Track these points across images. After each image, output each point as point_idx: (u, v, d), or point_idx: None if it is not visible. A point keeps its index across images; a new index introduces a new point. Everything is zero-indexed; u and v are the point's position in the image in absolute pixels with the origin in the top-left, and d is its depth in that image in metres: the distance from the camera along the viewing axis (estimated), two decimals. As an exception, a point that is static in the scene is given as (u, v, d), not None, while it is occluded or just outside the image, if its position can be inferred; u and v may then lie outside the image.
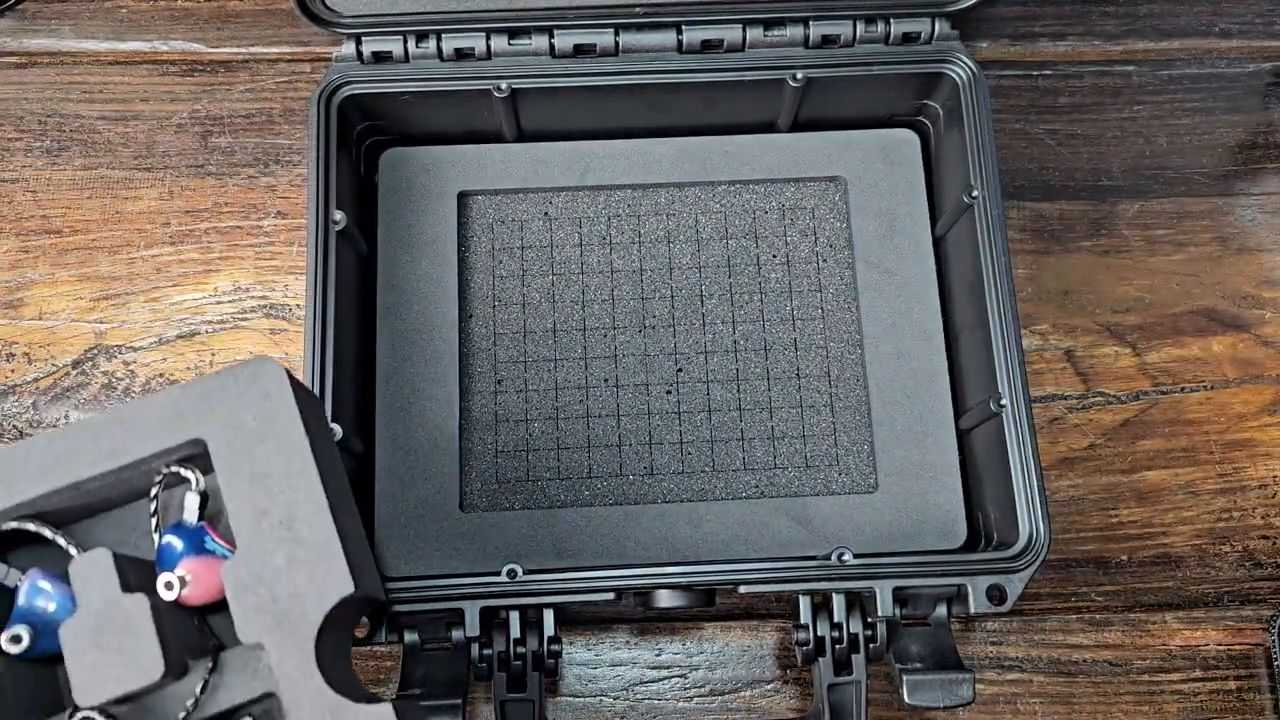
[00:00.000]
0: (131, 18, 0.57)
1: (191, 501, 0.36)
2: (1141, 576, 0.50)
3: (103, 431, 0.35)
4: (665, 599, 0.44)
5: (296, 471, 0.34)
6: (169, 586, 0.35)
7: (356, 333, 0.49)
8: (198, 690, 0.34)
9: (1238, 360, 0.53)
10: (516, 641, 0.43)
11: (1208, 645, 0.50)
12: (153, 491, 0.36)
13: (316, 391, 0.45)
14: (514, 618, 0.43)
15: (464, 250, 0.52)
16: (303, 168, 0.55)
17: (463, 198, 0.52)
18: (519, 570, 0.43)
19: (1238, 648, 0.50)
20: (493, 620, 0.44)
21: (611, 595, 0.43)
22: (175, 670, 0.34)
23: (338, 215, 0.47)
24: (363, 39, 0.50)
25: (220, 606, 0.35)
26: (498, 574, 0.43)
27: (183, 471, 0.36)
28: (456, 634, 0.43)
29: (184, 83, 0.56)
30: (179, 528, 0.36)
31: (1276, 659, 0.49)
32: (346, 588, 0.33)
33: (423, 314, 0.50)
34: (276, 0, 0.58)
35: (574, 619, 0.49)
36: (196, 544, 0.36)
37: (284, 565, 0.33)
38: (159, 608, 0.34)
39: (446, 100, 0.51)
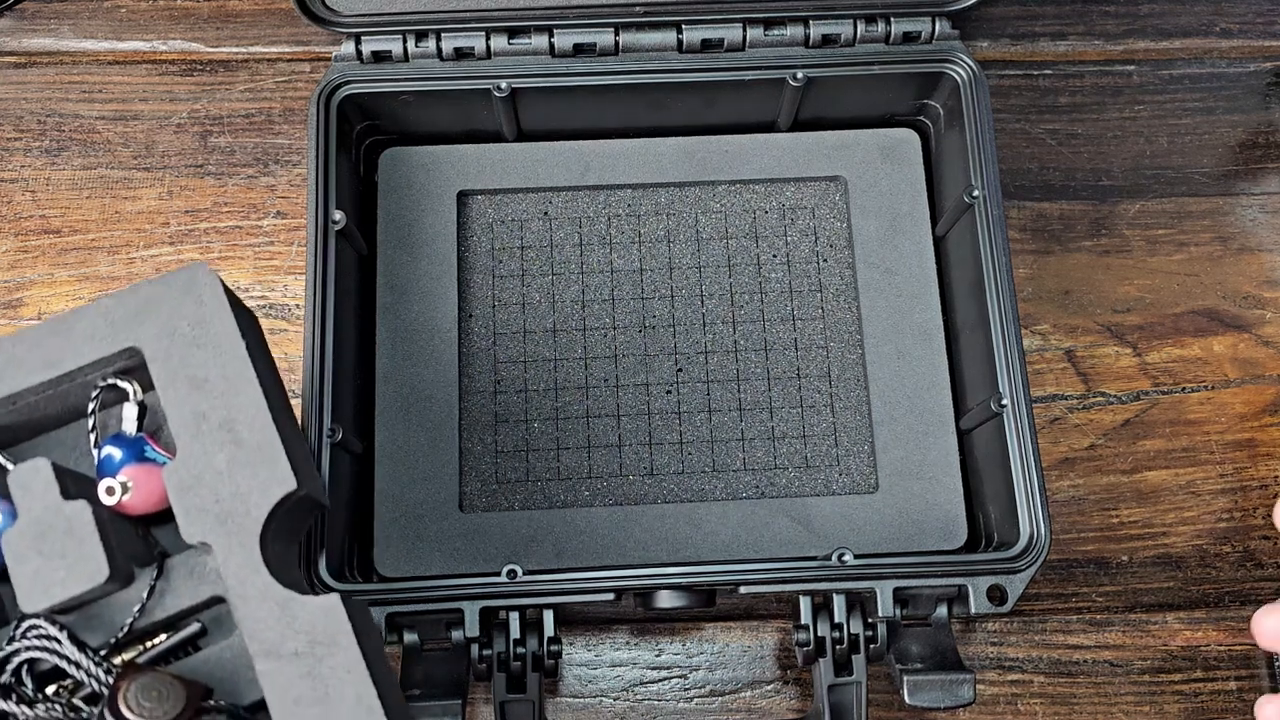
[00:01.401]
0: (131, 17, 0.57)
1: (130, 411, 0.37)
2: (1142, 577, 0.50)
3: (36, 343, 0.35)
4: (665, 599, 0.44)
5: (234, 374, 0.34)
6: (110, 492, 0.35)
7: (356, 333, 0.49)
8: (144, 595, 0.35)
9: (1238, 360, 0.53)
10: (516, 642, 0.43)
11: (1209, 646, 0.50)
12: (90, 406, 0.36)
13: (316, 391, 0.45)
14: (514, 618, 0.43)
15: (463, 250, 0.52)
16: (302, 168, 0.55)
17: (462, 197, 0.52)
18: (519, 570, 0.43)
19: (1238, 648, 0.49)
20: (492, 621, 0.43)
21: (611, 596, 0.43)
22: (120, 575, 0.34)
23: (337, 215, 0.47)
24: (362, 38, 0.49)
25: (162, 518, 0.36)
26: (497, 574, 0.43)
27: (119, 383, 0.36)
28: (456, 634, 0.43)
29: (183, 82, 0.56)
30: (118, 438, 0.36)
31: (1277, 659, 0.49)
32: (289, 484, 0.34)
33: (422, 314, 0.50)
34: (276, 0, 0.58)
35: (574, 619, 0.49)
36: (137, 453, 0.36)
37: (225, 466, 0.34)
38: (101, 513, 0.34)
39: (446, 100, 0.51)
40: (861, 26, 0.50)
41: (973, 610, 0.43)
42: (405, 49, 0.50)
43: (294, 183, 0.55)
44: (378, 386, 0.49)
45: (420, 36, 0.50)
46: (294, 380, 0.52)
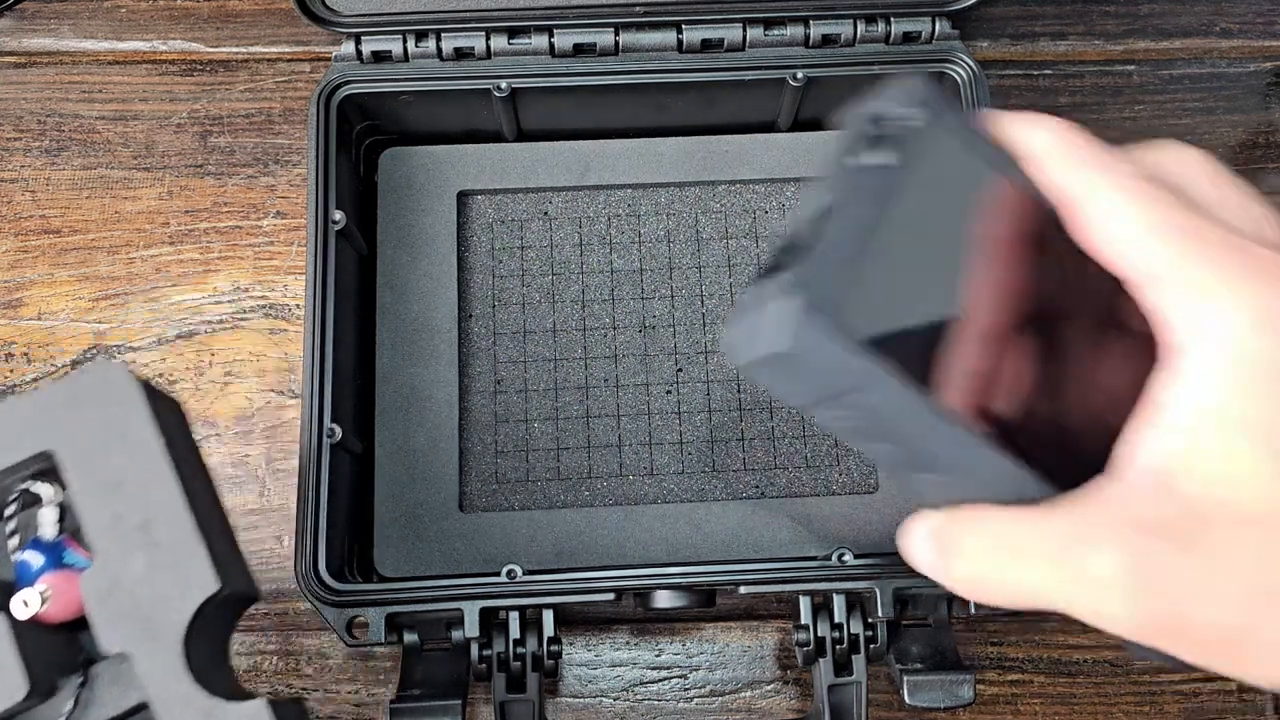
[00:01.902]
0: (131, 17, 0.57)
1: (47, 515, 0.35)
2: (1142, 577, 0.50)
3: None
4: (665, 599, 0.44)
5: (151, 474, 0.33)
6: (25, 604, 0.34)
7: (356, 333, 0.49)
8: (68, 708, 0.34)
9: (1238, 360, 0.53)
10: (516, 642, 0.43)
11: (1208, 646, 0.49)
12: (7, 511, 0.35)
13: (316, 392, 0.44)
14: (514, 618, 0.43)
15: (463, 250, 0.52)
16: (302, 168, 0.55)
17: (462, 197, 0.52)
18: (519, 570, 0.43)
19: (1238, 648, 0.49)
20: (492, 621, 0.43)
21: (611, 596, 0.43)
22: (42, 689, 0.33)
23: (337, 215, 0.47)
24: (362, 38, 0.49)
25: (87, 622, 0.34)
26: (497, 574, 0.43)
27: (32, 488, 0.35)
28: (456, 634, 0.43)
29: (183, 82, 0.56)
30: (36, 543, 0.35)
31: None
32: (211, 587, 0.33)
33: (422, 314, 0.50)
34: (276, 0, 0.58)
35: (574, 619, 0.49)
36: (55, 558, 0.35)
37: (144, 570, 0.33)
38: (19, 627, 0.33)
39: (446, 100, 0.50)
40: (861, 26, 0.50)
41: (972, 610, 0.43)
42: (405, 49, 0.50)
43: (294, 183, 0.55)
44: (377, 386, 0.49)
45: (420, 36, 0.50)
46: (294, 380, 0.52)
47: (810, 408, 0.27)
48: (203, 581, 0.33)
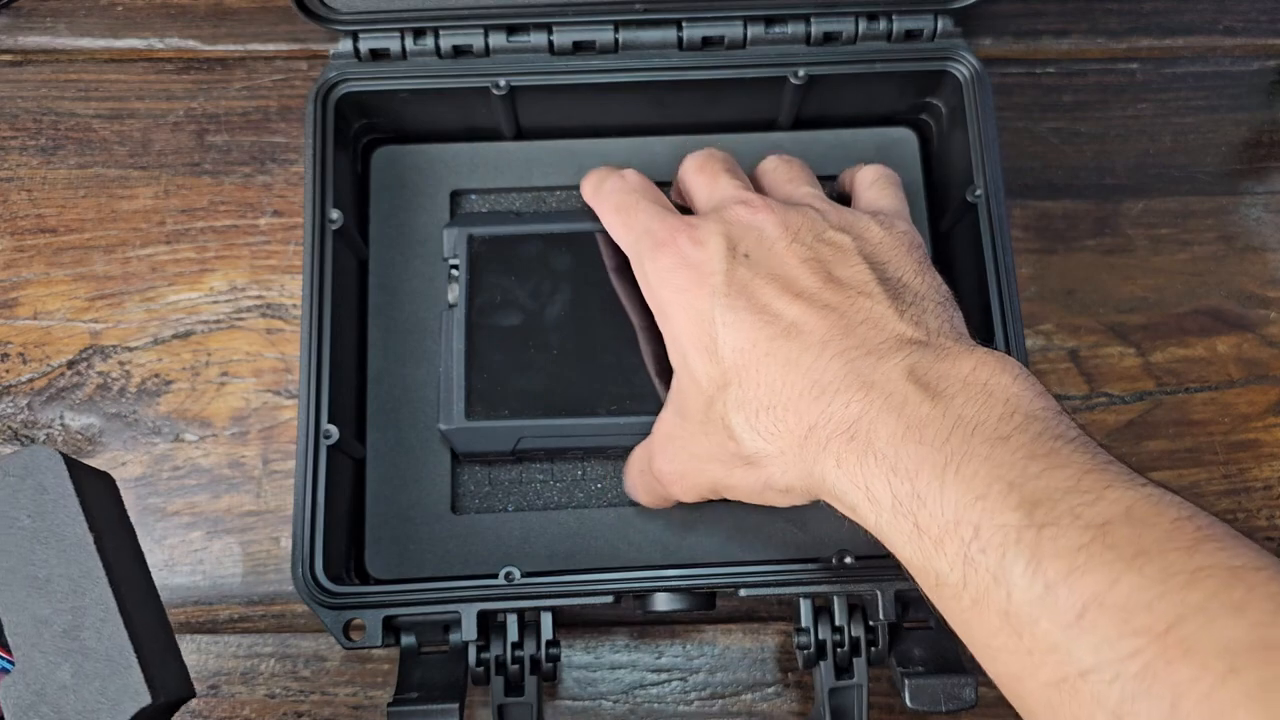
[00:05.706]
0: (127, 15, 0.57)
1: None
2: (1146, 579, 0.50)
3: None
4: (665, 602, 0.44)
5: (81, 574, 0.31)
6: None
7: (356, 333, 0.48)
8: None
9: (1242, 360, 0.53)
10: (514, 645, 0.43)
11: (1212, 648, 0.49)
12: None
13: (312, 392, 0.44)
14: (512, 621, 0.43)
15: (459, 249, 0.51)
16: (299, 166, 0.54)
17: (455, 196, 0.51)
18: (517, 573, 0.43)
19: (1243, 651, 0.49)
20: (490, 623, 0.43)
21: (611, 598, 0.43)
22: None
23: (334, 214, 0.46)
24: (360, 36, 0.49)
25: None
26: (495, 576, 0.43)
27: None
28: (454, 637, 0.43)
29: (180, 80, 0.56)
30: None
31: None
32: (142, 699, 0.30)
33: (414, 314, 0.49)
34: (273, -3, 0.57)
35: (573, 621, 0.49)
36: None
37: (70, 679, 0.30)
38: None
39: (444, 98, 0.50)
40: (863, 24, 0.50)
41: (975, 613, 0.43)
42: (403, 46, 0.49)
43: (291, 181, 0.54)
44: (369, 386, 0.48)
45: (418, 34, 0.49)
46: (291, 381, 0.51)
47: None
48: (135, 693, 0.31)
